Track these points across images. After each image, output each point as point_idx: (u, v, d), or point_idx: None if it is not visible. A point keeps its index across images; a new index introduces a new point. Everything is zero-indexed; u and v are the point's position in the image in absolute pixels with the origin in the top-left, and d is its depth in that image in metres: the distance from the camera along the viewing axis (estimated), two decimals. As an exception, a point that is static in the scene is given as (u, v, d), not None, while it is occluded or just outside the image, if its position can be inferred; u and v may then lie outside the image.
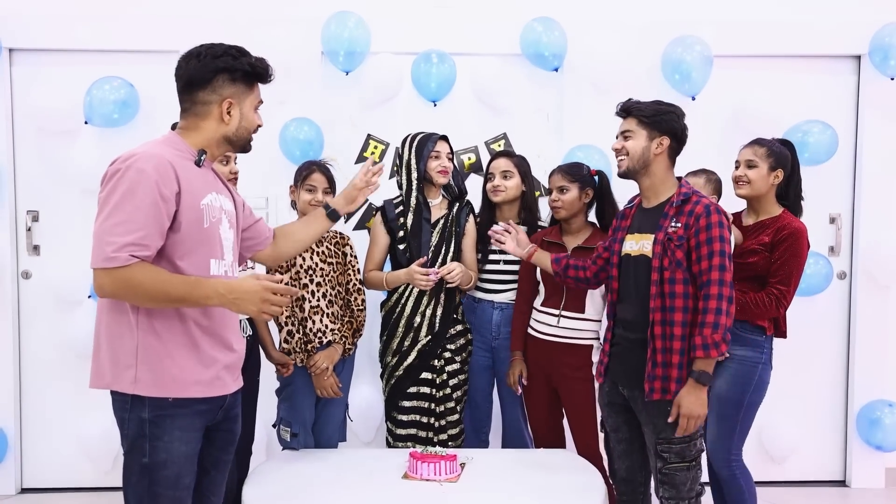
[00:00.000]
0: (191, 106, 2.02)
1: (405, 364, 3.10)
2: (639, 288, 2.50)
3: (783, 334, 2.84)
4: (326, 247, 3.02)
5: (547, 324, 3.03)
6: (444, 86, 3.63)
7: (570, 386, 2.99)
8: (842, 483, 3.94)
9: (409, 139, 3.14)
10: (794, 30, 3.74)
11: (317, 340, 2.92)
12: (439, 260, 3.10)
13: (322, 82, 3.71)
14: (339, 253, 3.08)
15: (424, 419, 3.11)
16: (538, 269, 3.06)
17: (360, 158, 3.78)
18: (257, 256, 2.40)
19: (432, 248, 3.12)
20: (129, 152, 1.90)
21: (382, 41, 3.64)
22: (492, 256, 3.21)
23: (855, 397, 3.85)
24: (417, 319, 3.10)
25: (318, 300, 2.95)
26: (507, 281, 3.19)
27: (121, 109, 3.51)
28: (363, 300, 3.11)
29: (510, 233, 2.98)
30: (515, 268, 3.18)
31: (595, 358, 3.01)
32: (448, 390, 3.11)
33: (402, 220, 3.14)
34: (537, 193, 3.41)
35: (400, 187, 3.16)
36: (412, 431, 3.11)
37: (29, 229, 3.71)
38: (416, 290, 3.08)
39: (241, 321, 2.71)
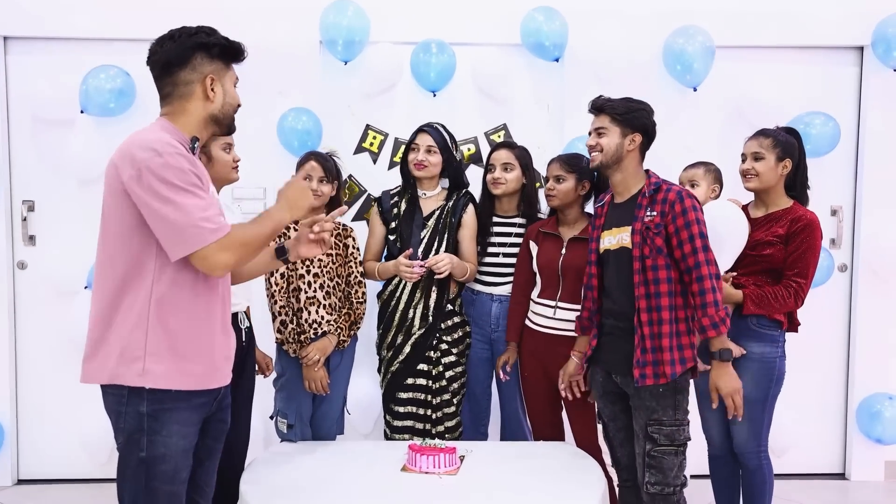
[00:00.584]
0: (172, 89, 2.00)
1: (400, 358, 3.08)
2: (621, 280, 2.55)
3: (796, 328, 2.84)
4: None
5: (544, 315, 3.02)
6: (443, 76, 3.60)
7: None
8: (841, 476, 3.93)
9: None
10: (796, 20, 3.70)
11: (311, 332, 2.90)
12: (432, 251, 3.09)
13: (321, 72, 3.68)
14: (341, 245, 3.05)
15: (421, 411, 3.10)
16: (534, 260, 3.05)
17: (359, 148, 3.76)
18: None
19: (425, 240, 3.10)
20: (139, 143, 1.87)
21: (382, 30, 3.61)
22: (491, 249, 3.19)
23: (855, 390, 3.84)
24: (411, 313, 3.08)
25: (315, 291, 2.93)
26: (506, 273, 3.17)
27: (117, 98, 3.48)
28: (364, 293, 3.09)
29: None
30: (514, 260, 3.16)
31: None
32: (444, 382, 3.10)
33: (395, 209, 3.13)
34: (537, 185, 3.38)
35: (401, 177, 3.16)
36: (409, 423, 3.11)
37: (24, 219, 3.68)
38: (410, 283, 3.06)
39: (238, 313, 2.70)
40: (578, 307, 2.96)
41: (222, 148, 2.63)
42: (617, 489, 2.79)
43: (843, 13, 3.70)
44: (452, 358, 3.13)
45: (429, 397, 3.10)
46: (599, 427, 2.88)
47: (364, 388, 3.64)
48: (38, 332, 3.71)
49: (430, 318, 3.08)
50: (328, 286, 2.96)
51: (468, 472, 2.63)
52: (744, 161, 2.83)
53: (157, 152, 1.83)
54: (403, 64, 3.65)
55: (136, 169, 1.83)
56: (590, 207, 3.11)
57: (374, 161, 3.77)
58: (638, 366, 2.45)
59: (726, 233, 2.70)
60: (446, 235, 3.12)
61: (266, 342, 3.00)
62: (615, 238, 2.57)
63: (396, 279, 3.10)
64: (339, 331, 2.96)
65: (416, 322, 3.08)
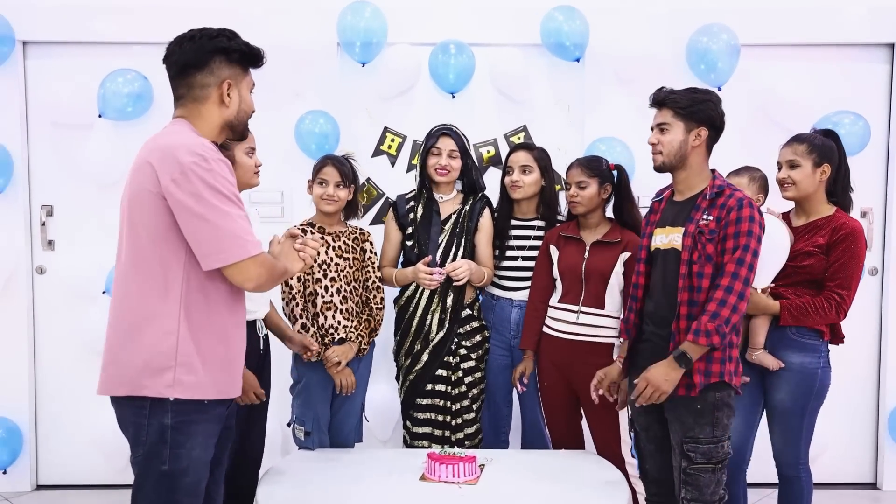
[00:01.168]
0: (188, 91, 1.97)
1: (418, 366, 3.04)
2: (666, 282, 2.42)
3: (840, 339, 2.75)
4: (344, 242, 2.95)
5: (565, 321, 2.94)
6: (462, 77, 3.55)
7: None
8: (873, 486, 3.82)
9: (430, 132, 3.10)
10: (823, 17, 3.61)
11: (328, 338, 2.86)
12: (450, 257, 3.04)
13: (338, 74, 3.65)
14: (358, 248, 3.01)
15: (440, 418, 3.05)
16: (555, 265, 2.98)
17: (377, 151, 3.71)
18: None
19: (443, 245, 3.05)
20: (176, 144, 1.83)
21: (399, 31, 3.56)
22: (509, 253, 3.13)
23: (886, 397, 3.73)
24: (429, 319, 3.04)
25: (332, 296, 2.88)
26: (525, 277, 3.11)
27: (135, 102, 3.47)
28: (382, 298, 3.04)
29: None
30: (534, 264, 3.10)
31: (615, 356, 2.93)
32: (464, 388, 3.05)
33: (412, 215, 3.07)
34: (557, 188, 3.32)
35: (415, 179, 3.11)
36: (428, 430, 3.06)
37: (43, 224, 3.68)
38: (426, 289, 3.01)
39: (256, 321, 2.66)
40: (602, 312, 2.90)
41: (245, 152, 2.58)
42: (644, 503, 2.71)
43: (873, 9, 3.60)
44: (472, 363, 3.07)
45: (448, 403, 3.05)
46: (624, 436, 2.81)
47: (382, 394, 3.59)
48: (57, 338, 3.71)
49: (448, 323, 3.03)
50: (345, 291, 2.92)
51: (488, 481, 2.58)
52: (780, 170, 2.74)
53: (203, 157, 1.81)
54: (422, 65, 3.60)
55: (182, 172, 1.80)
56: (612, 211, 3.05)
57: (393, 164, 3.72)
58: None
59: (765, 250, 2.55)
60: (464, 240, 3.06)
61: (280, 349, 2.95)
62: (667, 237, 2.44)
63: (413, 285, 3.05)
64: (360, 338, 2.92)
65: (434, 328, 3.04)
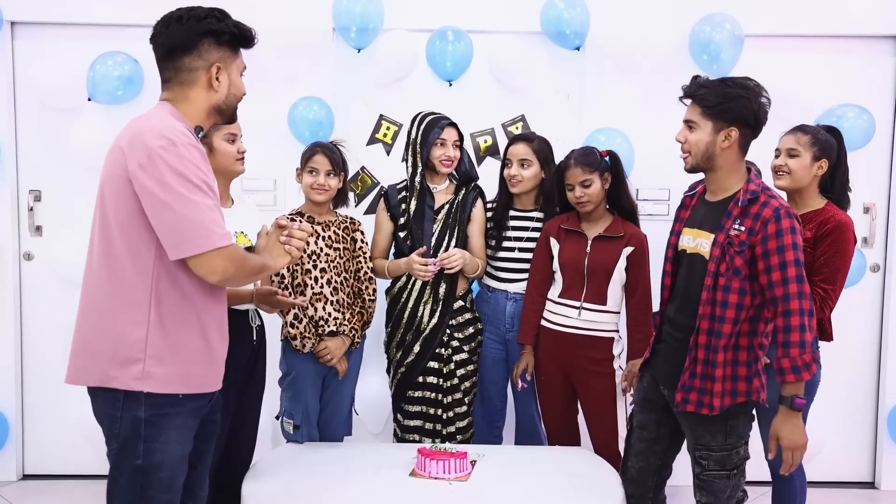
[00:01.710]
0: (175, 74, 1.90)
1: (410, 358, 2.98)
2: (690, 288, 2.29)
3: (828, 336, 2.68)
4: (334, 231, 2.89)
5: (566, 316, 2.89)
6: (460, 65, 3.47)
7: (589, 380, 2.86)
8: (871, 485, 3.78)
9: (418, 118, 3.01)
10: (829, 8, 3.53)
11: (320, 329, 2.80)
12: (442, 247, 2.98)
13: (333, 60, 3.57)
14: (349, 238, 2.95)
15: (432, 411, 3.00)
16: (556, 258, 2.92)
17: (373, 139, 3.64)
18: None
19: (435, 235, 2.99)
20: (148, 128, 1.77)
21: (396, 17, 3.48)
22: (506, 244, 3.06)
23: (886, 396, 3.68)
24: (421, 310, 2.98)
25: (322, 287, 2.82)
26: (521, 270, 3.05)
27: (125, 86, 3.39)
28: (374, 289, 2.99)
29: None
30: (531, 255, 3.04)
31: (616, 350, 2.88)
32: (456, 380, 3.00)
33: (403, 205, 3.01)
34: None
35: (406, 170, 3.03)
36: (419, 423, 3.01)
37: (31, 209, 3.61)
38: (419, 280, 2.95)
39: (249, 311, 2.60)
40: (603, 308, 2.84)
41: (225, 138, 2.51)
42: None
43: (879, 0, 3.52)
44: (464, 356, 3.02)
45: (440, 396, 3.00)
46: (622, 433, 2.75)
47: (373, 386, 3.54)
48: (44, 325, 3.64)
49: (440, 313, 2.97)
50: (335, 281, 2.86)
51: (479, 478, 2.53)
52: (777, 156, 2.67)
53: (171, 141, 1.74)
54: (418, 52, 3.53)
55: (148, 157, 1.73)
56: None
57: (388, 152, 3.65)
58: (682, 389, 2.24)
59: None
60: (457, 230, 3.00)
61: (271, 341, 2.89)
62: (694, 241, 2.29)
63: (405, 275, 2.99)
64: (353, 332, 2.86)
65: (426, 319, 2.98)
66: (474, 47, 3.48)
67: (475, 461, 2.63)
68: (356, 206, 3.64)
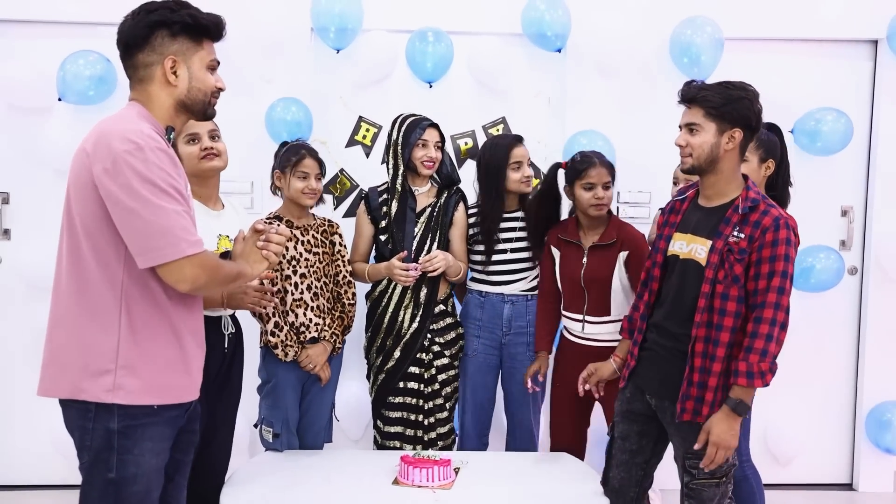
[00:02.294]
0: (134, 72, 1.83)
1: (390, 364, 2.93)
2: (681, 294, 2.26)
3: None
4: (313, 235, 2.84)
5: (572, 329, 2.89)
6: (440, 66, 3.43)
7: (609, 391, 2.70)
8: (849, 486, 3.80)
9: (399, 120, 2.97)
10: (808, 12, 3.55)
11: (301, 336, 2.74)
12: (424, 250, 2.93)
13: (312, 60, 3.52)
14: (327, 242, 2.89)
15: (413, 416, 2.95)
16: (556, 271, 2.89)
17: (352, 142, 3.59)
18: None
19: (417, 238, 2.94)
20: (114, 131, 1.70)
21: (376, 17, 3.44)
22: (499, 246, 3.02)
23: (864, 398, 3.70)
24: (401, 315, 2.93)
25: (302, 293, 2.77)
26: (516, 270, 3.02)
27: (97, 86, 3.30)
28: (354, 293, 2.94)
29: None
30: (524, 255, 3.02)
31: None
32: (437, 386, 2.96)
33: (385, 208, 2.96)
34: (535, 182, 3.23)
35: (387, 172, 2.98)
36: (400, 430, 2.96)
37: (-1, 212, 3.51)
38: (400, 284, 2.90)
39: (221, 318, 2.54)
40: (607, 319, 2.80)
41: (184, 141, 2.44)
42: None
43: (858, 5, 3.55)
44: (445, 360, 2.98)
45: (421, 402, 2.95)
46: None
47: (353, 391, 3.49)
48: (12, 331, 3.54)
49: (420, 317, 2.93)
50: (315, 287, 2.80)
51: (463, 486, 2.49)
52: None
53: (137, 146, 1.67)
54: (398, 53, 3.48)
55: (113, 162, 1.66)
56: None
57: (367, 155, 3.60)
58: (681, 400, 2.21)
59: None
60: (439, 233, 2.96)
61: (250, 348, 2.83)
62: (688, 246, 2.25)
63: (386, 279, 2.94)
64: (334, 337, 2.81)
65: (406, 324, 2.93)
66: (455, 49, 3.44)
67: (458, 468, 2.60)
68: (335, 208, 3.59)
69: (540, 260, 3.00)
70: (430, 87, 3.48)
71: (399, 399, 2.95)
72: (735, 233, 2.14)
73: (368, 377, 3.05)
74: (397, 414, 2.96)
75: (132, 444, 1.75)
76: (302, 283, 2.77)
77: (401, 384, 2.95)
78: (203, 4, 2.08)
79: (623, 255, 2.79)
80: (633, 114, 3.52)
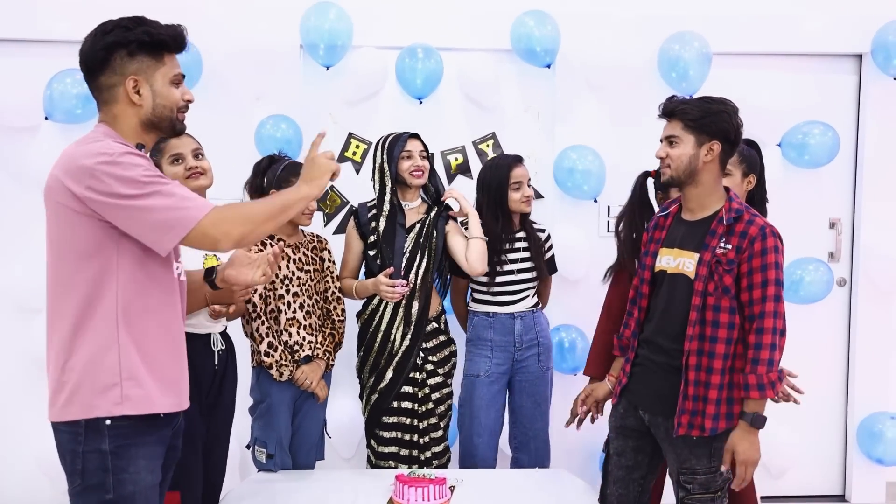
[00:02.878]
0: (99, 94, 1.83)
1: (382, 385, 2.90)
2: (671, 309, 2.26)
3: None
4: (304, 252, 2.82)
5: None
6: (430, 82, 3.44)
7: None
8: (841, 498, 3.81)
9: (380, 142, 2.97)
10: (794, 27, 3.59)
11: (295, 355, 2.72)
12: (414, 266, 2.91)
13: (301, 77, 3.51)
14: (317, 259, 2.88)
15: (407, 436, 2.92)
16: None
17: (342, 158, 3.58)
18: None
19: (406, 254, 2.92)
20: (85, 150, 1.71)
21: (365, 34, 3.44)
22: (505, 267, 3.01)
23: (855, 409, 3.72)
24: (393, 333, 2.91)
25: (295, 312, 2.75)
26: (522, 290, 3.04)
27: (84, 104, 3.26)
28: (343, 310, 2.92)
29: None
30: (529, 276, 3.03)
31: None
32: (431, 405, 2.93)
33: (374, 223, 2.94)
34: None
35: (374, 193, 2.98)
36: (394, 450, 2.92)
37: (-16, 232, 3.47)
38: (388, 301, 2.89)
39: (211, 335, 2.52)
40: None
41: (168, 162, 2.44)
42: None
43: (842, 20, 3.59)
44: (439, 379, 2.96)
45: (415, 421, 2.92)
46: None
47: (345, 409, 3.46)
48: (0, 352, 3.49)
49: (412, 335, 2.90)
50: (307, 305, 2.78)
51: (459, 504, 2.47)
52: None
53: (108, 154, 1.68)
54: (388, 69, 3.49)
55: (91, 175, 1.67)
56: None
57: (357, 171, 3.59)
58: (677, 414, 2.21)
59: None
60: (428, 250, 2.94)
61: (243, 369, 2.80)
62: (675, 260, 2.26)
63: (377, 297, 2.92)
64: (326, 355, 2.79)
65: (397, 342, 2.91)
66: (444, 65, 3.45)
67: (454, 486, 2.57)
68: (325, 225, 3.57)
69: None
70: (420, 103, 3.48)
71: (393, 419, 2.92)
72: (722, 244, 2.17)
73: (361, 397, 3.01)
74: (391, 434, 2.93)
75: (126, 462, 1.74)
76: (294, 301, 2.75)
77: (395, 404, 2.92)
78: (194, 22, 2.08)
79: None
80: (623, 128, 3.54)
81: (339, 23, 3.33)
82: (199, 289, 2.17)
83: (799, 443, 3.68)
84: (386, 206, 2.94)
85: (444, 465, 2.97)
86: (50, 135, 3.33)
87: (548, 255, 3.15)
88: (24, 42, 3.41)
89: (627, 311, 2.49)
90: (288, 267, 2.75)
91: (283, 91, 3.46)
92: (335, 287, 2.90)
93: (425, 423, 2.93)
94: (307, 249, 2.84)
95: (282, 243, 2.16)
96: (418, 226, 2.97)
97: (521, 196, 2.98)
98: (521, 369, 3.02)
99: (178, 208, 1.70)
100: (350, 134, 3.58)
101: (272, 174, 2.78)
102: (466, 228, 2.97)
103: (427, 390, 2.93)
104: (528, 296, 3.04)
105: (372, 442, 2.97)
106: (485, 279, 3.01)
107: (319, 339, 2.80)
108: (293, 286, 2.75)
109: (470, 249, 2.89)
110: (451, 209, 3.03)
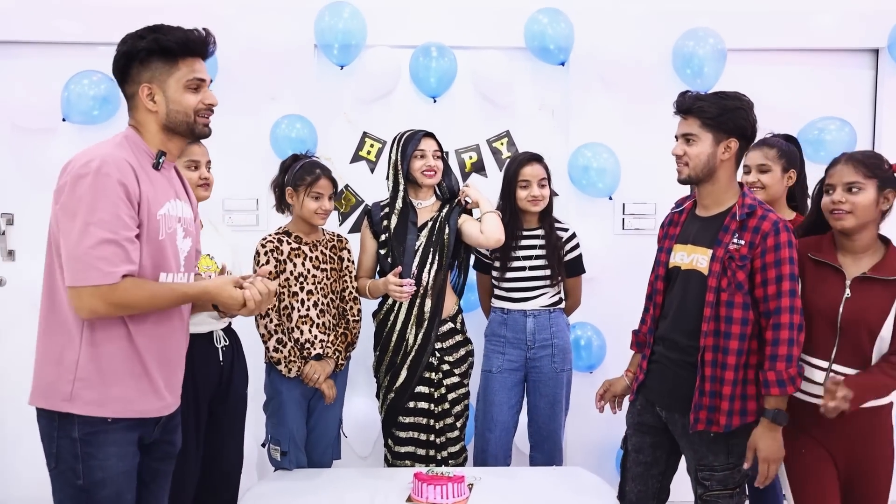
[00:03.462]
0: (127, 101, 1.91)
1: (398, 383, 2.91)
2: (685, 306, 2.26)
3: None
4: (321, 251, 2.83)
5: (810, 380, 2.20)
6: (444, 81, 3.44)
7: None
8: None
9: (395, 139, 2.97)
10: (810, 22, 3.56)
11: (305, 352, 2.73)
12: (426, 265, 2.91)
13: (315, 77, 3.52)
14: (336, 258, 2.89)
15: (423, 436, 2.92)
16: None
17: (356, 157, 3.59)
18: None
19: (419, 253, 2.92)
20: (86, 154, 1.77)
21: (379, 33, 3.45)
22: (515, 264, 3.01)
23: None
24: (409, 333, 2.91)
25: (308, 310, 2.76)
26: (535, 287, 3.02)
27: (101, 106, 3.30)
28: (359, 310, 2.93)
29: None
30: (543, 273, 3.01)
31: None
32: (447, 405, 2.93)
33: (385, 222, 2.95)
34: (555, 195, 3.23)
35: (388, 191, 2.99)
36: (411, 449, 2.93)
37: (3, 233, 3.49)
38: (405, 302, 2.89)
39: (213, 332, 2.53)
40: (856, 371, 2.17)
41: (185, 165, 2.48)
42: None
43: (858, 15, 3.56)
44: (455, 379, 2.96)
45: (431, 421, 2.92)
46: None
47: (360, 408, 3.47)
48: (17, 352, 3.50)
49: (424, 334, 2.90)
50: (322, 303, 2.79)
51: (477, 502, 2.48)
52: (747, 172, 2.65)
53: (91, 169, 1.71)
54: (402, 68, 3.49)
55: (64, 179, 1.74)
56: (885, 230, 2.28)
57: (372, 170, 3.60)
58: (694, 410, 2.20)
59: None
60: (440, 247, 2.94)
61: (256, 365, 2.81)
62: (689, 257, 2.26)
63: (392, 298, 2.92)
64: (337, 354, 2.80)
65: (411, 341, 2.91)
66: (458, 63, 3.45)
67: (472, 484, 2.58)
68: (340, 224, 3.58)
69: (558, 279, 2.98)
70: (434, 101, 3.48)
71: (410, 419, 2.93)
72: (735, 240, 2.16)
73: (378, 396, 3.02)
74: (408, 434, 2.93)
75: (95, 450, 1.79)
76: (308, 299, 2.76)
77: (411, 403, 2.92)
78: (209, 22, 2.09)
79: None
80: (637, 125, 3.53)
81: (353, 22, 3.34)
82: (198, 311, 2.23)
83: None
84: (398, 204, 2.95)
85: (461, 465, 2.97)
86: (67, 136, 3.37)
87: (571, 256, 3.08)
88: (42, 44, 3.43)
89: (644, 308, 2.49)
90: (304, 265, 2.76)
91: (297, 91, 3.48)
92: (352, 287, 2.91)
93: (441, 423, 2.93)
94: (325, 248, 2.85)
95: (272, 284, 2.03)
96: (430, 223, 2.97)
97: (527, 195, 2.98)
98: (535, 368, 3.01)
99: (86, 260, 1.70)
100: (364, 133, 3.59)
101: (291, 172, 2.80)
102: (480, 220, 2.97)
103: (443, 390, 2.93)
104: (543, 294, 3.02)
105: (389, 441, 2.98)
106: (497, 273, 3.02)
107: (332, 338, 2.81)
108: (308, 284, 2.76)
109: (484, 223, 2.88)
110: (462, 206, 3.04)
